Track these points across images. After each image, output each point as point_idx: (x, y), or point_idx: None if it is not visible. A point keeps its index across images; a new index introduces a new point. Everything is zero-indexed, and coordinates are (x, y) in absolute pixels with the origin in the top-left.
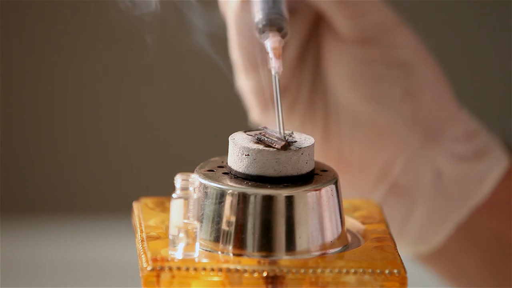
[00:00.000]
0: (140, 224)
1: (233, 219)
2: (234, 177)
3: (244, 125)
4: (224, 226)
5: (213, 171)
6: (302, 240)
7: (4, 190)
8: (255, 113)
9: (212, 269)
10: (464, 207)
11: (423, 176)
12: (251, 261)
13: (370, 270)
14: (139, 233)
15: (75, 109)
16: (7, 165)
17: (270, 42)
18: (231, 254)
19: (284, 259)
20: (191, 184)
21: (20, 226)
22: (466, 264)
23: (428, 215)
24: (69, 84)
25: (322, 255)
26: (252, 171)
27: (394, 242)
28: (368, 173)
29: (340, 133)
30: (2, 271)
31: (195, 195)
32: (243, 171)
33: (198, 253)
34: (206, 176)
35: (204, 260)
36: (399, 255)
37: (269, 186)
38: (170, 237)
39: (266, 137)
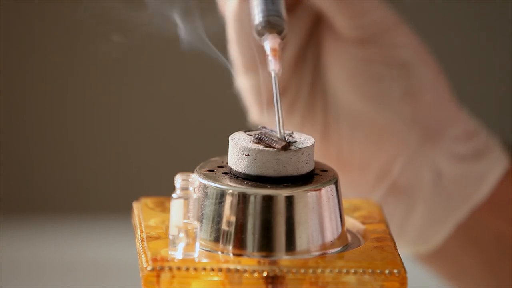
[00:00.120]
0: (140, 224)
1: (233, 219)
2: (234, 177)
3: (244, 125)
4: (224, 226)
5: (213, 171)
6: (302, 240)
7: (4, 190)
8: (254, 113)
9: (212, 269)
10: (464, 207)
11: (423, 176)
12: (251, 261)
13: (370, 270)
14: (139, 233)
15: (75, 109)
16: (7, 165)
17: (269, 43)
18: (231, 254)
19: (284, 259)
20: (191, 184)
21: (20, 226)
22: (466, 264)
23: (428, 215)
24: (69, 84)
25: (322, 255)
26: (252, 171)
27: (394, 242)
28: (368, 173)
29: (340, 133)
30: (2, 271)
31: (195, 195)
32: (243, 171)
33: (198, 253)
34: (206, 176)
35: (204, 260)
36: (399, 255)
37: (269, 186)
38: (170, 237)
39: (266, 137)
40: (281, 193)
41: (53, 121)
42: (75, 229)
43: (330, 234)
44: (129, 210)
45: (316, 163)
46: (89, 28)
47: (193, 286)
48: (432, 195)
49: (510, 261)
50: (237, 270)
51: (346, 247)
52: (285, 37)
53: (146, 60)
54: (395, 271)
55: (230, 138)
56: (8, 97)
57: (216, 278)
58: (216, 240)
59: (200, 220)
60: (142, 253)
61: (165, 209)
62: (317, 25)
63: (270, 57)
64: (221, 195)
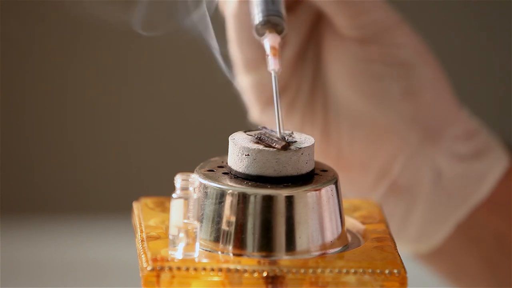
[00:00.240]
0: (140, 224)
1: (233, 219)
2: (234, 177)
3: (244, 125)
4: (224, 226)
5: (213, 171)
6: (302, 240)
7: (4, 190)
8: (254, 112)
9: (212, 269)
10: (464, 206)
11: (423, 175)
12: (251, 261)
13: (370, 270)
14: (139, 233)
15: (75, 109)
16: (7, 165)
17: (269, 42)
18: (231, 254)
19: (284, 259)
20: (191, 184)
21: (20, 226)
22: (466, 263)
23: (428, 214)
24: (69, 84)
25: (322, 255)
26: (252, 171)
27: (394, 242)
28: (368, 172)
29: (340, 132)
30: (2, 271)
31: (195, 195)
32: (243, 171)
33: (198, 253)
34: (206, 176)
35: (204, 260)
36: (399, 255)
37: (269, 186)
38: (170, 237)
39: (266, 137)
40: (281, 193)
41: (53, 121)
42: (75, 229)
43: (330, 234)
44: (129, 210)
45: (316, 163)
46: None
47: (193, 286)
48: (432, 194)
49: (510, 261)
50: (237, 270)
51: (346, 247)
52: (285, 36)
53: (146, 60)
54: (395, 271)
55: (230, 138)
56: (8, 97)
57: (216, 278)
58: (216, 240)
59: (200, 220)
60: (142, 253)
61: (165, 209)
62: (318, 24)
63: (270, 57)
64: (221, 195)
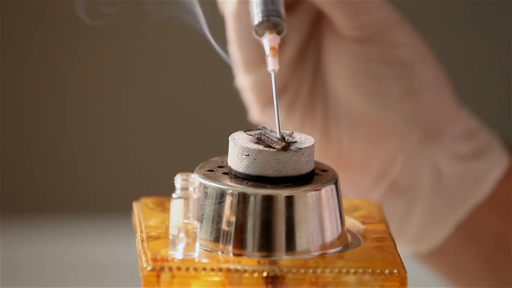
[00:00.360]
0: (140, 224)
1: (233, 219)
2: (234, 177)
3: (244, 125)
4: (224, 226)
5: (213, 171)
6: (302, 240)
7: (4, 190)
8: (254, 111)
9: (212, 269)
10: (464, 206)
11: (423, 175)
12: (251, 261)
13: (370, 270)
14: (139, 233)
15: (75, 109)
16: (7, 165)
17: (269, 43)
18: (231, 254)
19: (284, 259)
20: (191, 184)
21: (20, 226)
22: (466, 263)
23: (428, 214)
24: (69, 84)
25: (322, 255)
26: (252, 171)
27: (394, 242)
28: (368, 172)
29: (340, 132)
30: (2, 271)
31: (195, 195)
32: (243, 171)
33: (198, 253)
34: (206, 176)
35: (204, 260)
36: (399, 255)
37: (269, 186)
38: (170, 237)
39: (266, 137)
40: (281, 193)
41: (53, 121)
42: (75, 229)
43: (330, 234)
44: (129, 210)
45: (316, 163)
46: (89, 29)
47: (193, 286)
48: (432, 194)
49: (510, 260)
50: (237, 270)
51: (346, 247)
52: (285, 36)
53: (146, 60)
54: (395, 271)
55: (230, 138)
56: (8, 97)
57: (216, 278)
58: (216, 240)
59: (200, 220)
60: (142, 253)
61: (165, 209)
62: (318, 24)
63: (270, 57)
64: (221, 195)
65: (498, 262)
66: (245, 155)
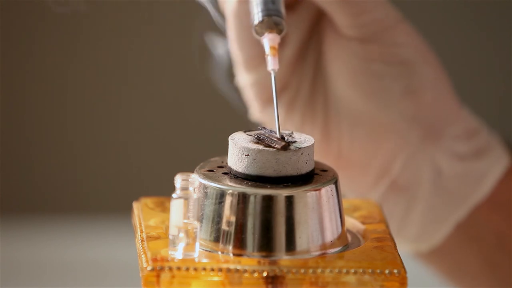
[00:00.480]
0: (140, 224)
1: (233, 219)
2: (234, 177)
3: (244, 125)
4: (224, 226)
5: (213, 171)
6: (302, 240)
7: (4, 190)
8: (255, 110)
9: (212, 269)
10: (464, 205)
11: (423, 174)
12: (251, 261)
13: (370, 270)
14: (139, 233)
15: (75, 109)
16: (7, 165)
17: (269, 42)
18: (231, 254)
19: (284, 259)
20: (191, 184)
21: (20, 226)
22: (466, 262)
23: (428, 213)
24: (69, 84)
25: (322, 255)
26: (252, 171)
27: (394, 242)
28: (368, 171)
29: (340, 130)
30: (2, 271)
31: (195, 195)
32: (243, 171)
33: (198, 253)
34: (206, 176)
35: (204, 260)
36: (399, 255)
37: (269, 186)
38: (170, 237)
39: (266, 137)
40: (281, 193)
41: (53, 121)
42: (75, 229)
43: (330, 234)
44: (129, 210)
45: (316, 163)
46: (89, 29)
47: (193, 286)
48: (432, 193)
49: (510, 260)
50: (237, 270)
51: (346, 247)
52: (285, 35)
53: (146, 60)
54: (395, 271)
55: (230, 138)
56: (8, 97)
57: (216, 278)
58: (216, 240)
59: (200, 220)
60: (142, 253)
61: (165, 209)
62: (318, 23)
63: (270, 57)
64: (221, 195)
65: (498, 261)
66: (245, 155)
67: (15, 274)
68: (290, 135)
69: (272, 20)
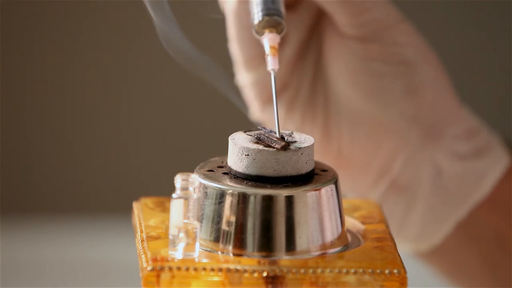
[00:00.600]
0: (140, 224)
1: (233, 219)
2: (234, 177)
3: (244, 125)
4: (224, 226)
5: (213, 171)
6: (302, 240)
7: (4, 190)
8: (255, 109)
9: (212, 269)
10: (464, 205)
11: (423, 173)
12: (251, 261)
13: (370, 270)
14: (139, 233)
15: (75, 109)
16: (7, 165)
17: (269, 42)
18: (231, 254)
19: (284, 259)
20: (191, 184)
21: (20, 226)
22: (466, 262)
23: (428, 213)
24: (69, 84)
25: (322, 255)
26: (252, 171)
27: (394, 242)
28: (368, 170)
29: (341, 130)
30: (2, 271)
31: (195, 195)
32: (243, 171)
33: (198, 253)
34: (206, 176)
35: (204, 260)
36: (399, 255)
37: (269, 186)
38: (170, 237)
39: (266, 137)
40: (281, 193)
41: (53, 121)
42: (75, 229)
43: (330, 234)
44: (129, 210)
45: (316, 163)
46: (89, 29)
47: (193, 286)
48: (432, 193)
49: (510, 260)
50: (237, 270)
51: (346, 247)
52: (285, 35)
53: (146, 60)
54: (395, 271)
55: (230, 138)
56: (8, 97)
57: (216, 278)
58: (216, 240)
59: (200, 220)
60: (142, 253)
61: (165, 209)
62: (318, 22)
63: (270, 56)
64: (221, 195)
65: (498, 261)
66: (245, 155)
67: (15, 274)
68: (290, 135)
69: (272, 20)
